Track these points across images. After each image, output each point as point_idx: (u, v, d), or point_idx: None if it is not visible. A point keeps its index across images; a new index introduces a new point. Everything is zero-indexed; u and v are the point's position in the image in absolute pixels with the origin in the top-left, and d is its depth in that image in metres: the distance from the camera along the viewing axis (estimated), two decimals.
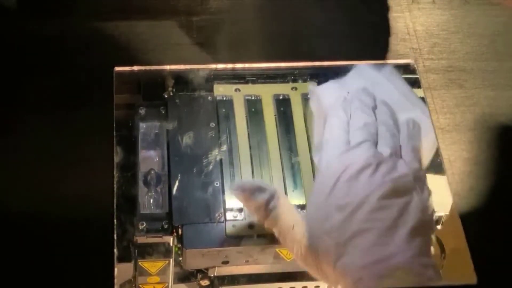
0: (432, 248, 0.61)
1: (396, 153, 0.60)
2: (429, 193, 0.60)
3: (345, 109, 0.64)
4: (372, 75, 0.69)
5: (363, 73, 0.69)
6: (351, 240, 0.56)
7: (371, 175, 0.58)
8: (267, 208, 0.59)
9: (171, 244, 0.65)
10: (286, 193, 0.67)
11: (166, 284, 0.66)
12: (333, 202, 0.57)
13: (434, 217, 0.63)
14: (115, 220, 0.66)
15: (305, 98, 0.73)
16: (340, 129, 0.62)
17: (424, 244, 0.57)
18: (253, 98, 0.73)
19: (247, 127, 0.71)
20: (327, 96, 0.67)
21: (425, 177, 0.61)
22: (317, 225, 0.58)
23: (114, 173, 0.68)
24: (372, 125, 0.62)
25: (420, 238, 0.56)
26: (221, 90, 0.74)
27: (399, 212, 0.56)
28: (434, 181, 0.69)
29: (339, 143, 0.61)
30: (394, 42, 0.91)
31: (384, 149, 0.60)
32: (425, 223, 0.58)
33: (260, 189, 0.60)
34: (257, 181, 0.66)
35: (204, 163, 0.68)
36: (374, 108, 0.64)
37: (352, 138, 0.61)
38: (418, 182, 0.59)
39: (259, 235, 0.64)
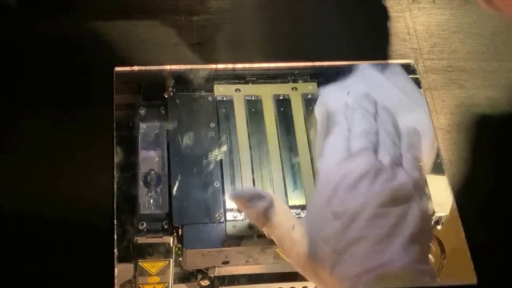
0: (432, 249, 0.61)
1: (396, 161, 0.60)
2: (428, 202, 0.60)
3: (347, 116, 0.63)
4: (374, 76, 0.68)
5: (365, 75, 0.69)
6: (348, 248, 0.56)
7: (369, 183, 0.57)
8: (265, 215, 0.59)
9: (171, 244, 0.65)
10: (286, 193, 0.67)
11: (166, 284, 0.66)
12: (331, 209, 0.57)
13: (432, 225, 0.63)
14: (115, 220, 0.66)
15: (305, 99, 0.73)
16: (340, 136, 0.62)
17: (422, 252, 0.56)
18: (253, 98, 0.73)
19: (247, 128, 0.71)
20: (329, 100, 0.67)
21: (424, 186, 0.61)
22: (315, 232, 0.58)
23: (114, 173, 0.68)
24: (373, 132, 0.62)
25: (418, 246, 0.56)
26: (221, 90, 0.74)
27: (397, 220, 0.56)
28: (434, 181, 0.69)
29: (339, 150, 0.61)
30: (394, 42, 0.90)
31: (385, 157, 0.60)
32: (424, 232, 0.57)
33: (257, 196, 0.60)
34: (256, 189, 0.66)
35: (204, 164, 0.68)
36: (376, 114, 0.63)
37: (353, 145, 0.61)
38: (417, 191, 0.59)
39: (259, 235, 0.64)
